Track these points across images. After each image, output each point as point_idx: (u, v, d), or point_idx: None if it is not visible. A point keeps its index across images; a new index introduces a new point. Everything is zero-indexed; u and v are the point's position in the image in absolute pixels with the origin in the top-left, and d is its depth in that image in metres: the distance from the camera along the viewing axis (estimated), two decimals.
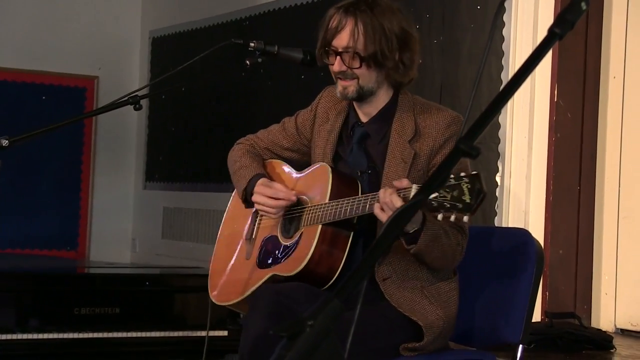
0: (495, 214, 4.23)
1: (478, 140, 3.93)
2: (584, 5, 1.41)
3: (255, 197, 3.00)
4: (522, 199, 4.18)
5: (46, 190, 6.66)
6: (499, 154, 4.23)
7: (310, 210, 2.92)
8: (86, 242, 6.78)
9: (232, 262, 3.15)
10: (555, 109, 4.17)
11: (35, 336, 4.12)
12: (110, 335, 4.23)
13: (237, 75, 5.90)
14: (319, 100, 3.10)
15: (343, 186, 2.87)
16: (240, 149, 3.17)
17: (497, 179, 4.24)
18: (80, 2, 6.78)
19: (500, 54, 4.24)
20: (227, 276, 3.14)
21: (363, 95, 2.91)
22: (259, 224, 3.11)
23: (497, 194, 4.24)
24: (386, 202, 2.60)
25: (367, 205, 2.73)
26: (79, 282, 4.53)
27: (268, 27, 5.73)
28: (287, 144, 3.14)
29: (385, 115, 2.94)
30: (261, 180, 3.02)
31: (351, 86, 2.89)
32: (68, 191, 6.74)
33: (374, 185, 2.89)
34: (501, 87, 1.46)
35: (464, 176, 2.48)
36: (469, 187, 2.45)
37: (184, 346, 4.33)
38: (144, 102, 6.81)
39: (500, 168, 4.23)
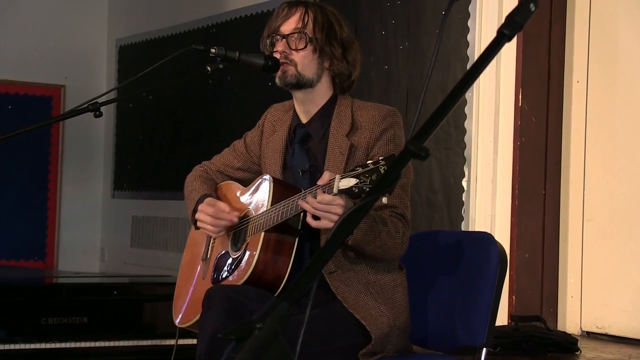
0: (462, 218, 4.25)
1: (444, 145, 3.93)
2: (532, 7, 1.42)
3: (197, 215, 3.04)
4: (488, 203, 4.19)
5: (13, 201, 6.62)
6: (464, 159, 4.25)
7: (253, 220, 2.95)
8: (54, 252, 6.75)
9: (192, 284, 3.19)
10: (520, 113, 4.19)
11: (1, 347, 4.09)
12: (78, 345, 4.20)
13: (204, 84, 5.89)
14: (265, 117, 3.16)
15: (284, 193, 2.89)
16: (193, 175, 3.23)
17: (464, 183, 4.26)
18: (46, 11, 6.75)
19: (465, 59, 4.26)
20: (187, 298, 3.17)
21: (302, 84, 2.95)
22: (213, 242, 3.14)
23: (463, 198, 4.26)
24: (318, 208, 2.63)
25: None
26: (46, 292, 4.49)
27: (235, 34, 5.73)
28: (237, 164, 3.18)
29: (325, 114, 2.98)
30: (206, 200, 3.04)
31: (290, 70, 2.93)
32: (36, 201, 6.71)
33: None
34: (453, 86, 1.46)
35: (381, 159, 2.57)
36: (386, 169, 2.51)
37: (154, 355, 4.30)
38: (112, 111, 6.83)
39: (466, 173, 4.25)
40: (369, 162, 2.57)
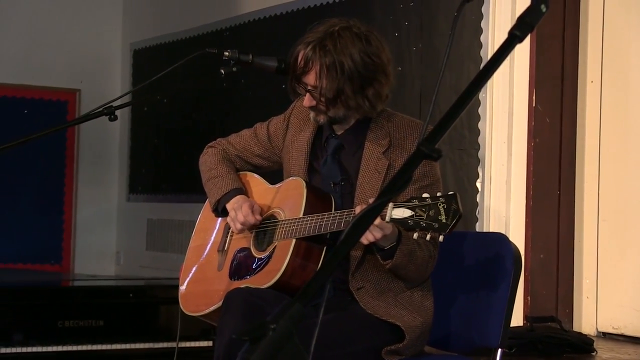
0: (476, 219, 4.24)
1: (458, 146, 3.90)
2: (543, 8, 1.43)
3: (229, 208, 3.02)
4: (503, 204, 4.19)
5: (29, 205, 6.65)
6: (478, 160, 4.24)
7: (284, 224, 2.93)
8: (70, 256, 6.77)
9: (203, 272, 3.16)
10: (534, 114, 4.19)
11: (19, 350, 4.10)
12: (94, 347, 4.22)
13: (218, 86, 5.91)
14: (292, 110, 3.11)
15: (317, 201, 2.88)
16: (215, 154, 3.18)
17: (478, 184, 4.26)
18: (60, 16, 6.78)
19: (478, 60, 4.26)
20: (198, 287, 3.14)
21: (335, 121, 2.96)
22: (232, 236, 3.11)
23: (477, 199, 4.25)
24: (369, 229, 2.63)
25: (343, 222, 2.75)
26: (62, 295, 4.51)
27: (249, 37, 5.75)
28: (258, 151, 3.15)
29: (360, 128, 2.95)
30: (241, 198, 3.03)
31: (321, 116, 2.92)
32: (51, 205, 6.73)
33: (347, 197, 2.91)
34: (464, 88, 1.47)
35: (440, 196, 2.51)
36: (445, 207, 2.48)
37: (170, 358, 4.31)
38: (127, 115, 6.86)
39: (480, 174, 4.24)
40: (425, 195, 2.52)
